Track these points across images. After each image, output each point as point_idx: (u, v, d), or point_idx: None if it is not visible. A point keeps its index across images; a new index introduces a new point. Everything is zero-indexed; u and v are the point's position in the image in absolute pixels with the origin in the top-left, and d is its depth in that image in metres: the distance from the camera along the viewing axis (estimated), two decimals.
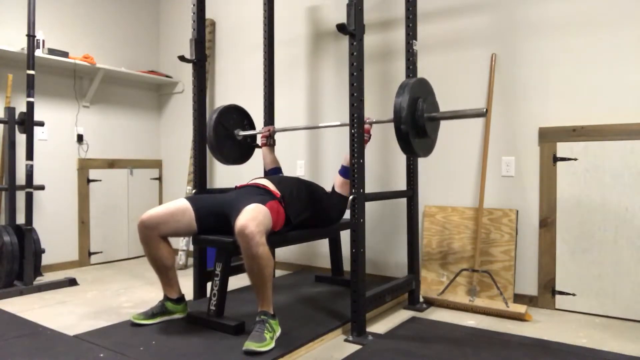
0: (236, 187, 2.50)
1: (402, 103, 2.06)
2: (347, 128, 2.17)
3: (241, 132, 2.91)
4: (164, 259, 2.25)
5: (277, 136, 3.28)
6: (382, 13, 3.13)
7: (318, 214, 2.49)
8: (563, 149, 2.53)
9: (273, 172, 2.91)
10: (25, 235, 2.95)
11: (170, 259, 2.29)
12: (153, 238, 2.21)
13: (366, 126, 2.37)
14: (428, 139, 2.21)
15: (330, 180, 3.29)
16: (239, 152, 2.95)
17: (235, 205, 2.14)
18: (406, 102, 2.05)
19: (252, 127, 3.02)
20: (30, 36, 2.98)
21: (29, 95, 2.99)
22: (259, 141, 3.02)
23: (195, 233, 2.27)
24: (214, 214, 2.26)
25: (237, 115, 2.93)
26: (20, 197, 3.17)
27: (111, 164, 3.96)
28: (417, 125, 2.11)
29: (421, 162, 2.87)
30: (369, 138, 2.40)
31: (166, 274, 2.29)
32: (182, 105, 4.24)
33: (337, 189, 2.48)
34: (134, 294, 2.94)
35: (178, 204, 2.27)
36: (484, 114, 2.08)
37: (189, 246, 3.73)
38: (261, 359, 1.83)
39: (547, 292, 2.57)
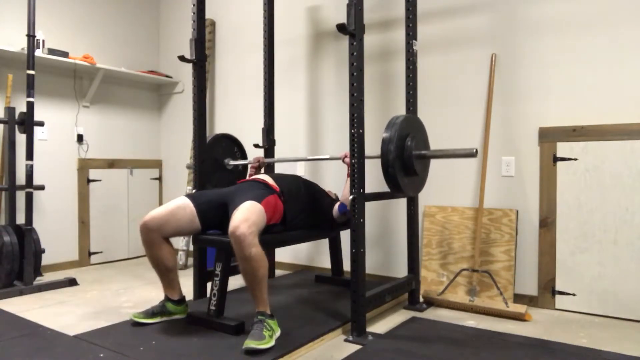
0: (237, 183, 2.50)
1: (390, 144, 2.04)
2: (347, 128, 2.17)
3: (231, 162, 2.95)
4: (166, 260, 2.25)
5: (277, 137, 3.29)
6: (382, 13, 3.13)
7: (317, 213, 2.49)
8: (563, 149, 2.53)
9: None
10: (25, 235, 2.95)
11: (172, 260, 2.29)
12: (156, 239, 2.20)
13: (347, 159, 2.40)
14: (417, 177, 2.20)
15: (330, 180, 3.30)
16: (229, 181, 2.95)
17: (234, 198, 2.16)
18: (394, 142, 2.04)
19: (243, 154, 3.05)
20: (30, 36, 2.98)
21: (29, 95, 2.99)
22: (248, 171, 3.02)
23: (199, 229, 2.27)
24: (215, 207, 2.26)
25: (226, 144, 2.96)
26: (20, 197, 3.17)
27: (111, 164, 3.96)
28: (406, 165, 2.09)
29: None
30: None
31: (167, 275, 2.29)
32: (182, 105, 4.24)
33: (334, 216, 2.48)
34: (134, 294, 2.94)
35: (178, 202, 2.27)
36: (474, 154, 2.05)
37: (189, 246, 3.73)
38: (261, 358, 1.83)
39: (547, 292, 2.57)
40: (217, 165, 2.90)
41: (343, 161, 2.59)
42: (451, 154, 2.19)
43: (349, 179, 2.37)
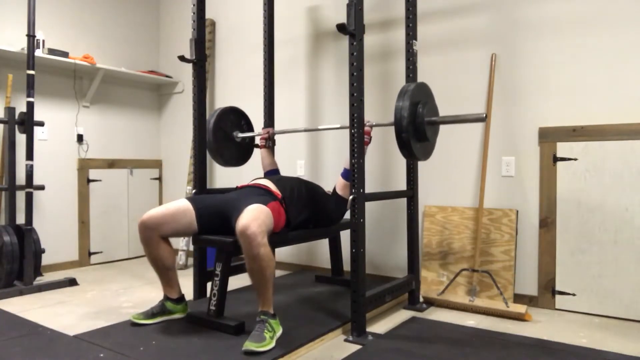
0: (237, 188, 2.50)
1: (403, 111, 2.06)
2: (347, 129, 2.17)
3: (240, 134, 2.91)
4: (165, 259, 2.25)
5: (277, 137, 3.29)
6: (382, 13, 3.13)
7: (318, 214, 2.49)
8: (563, 149, 2.53)
9: (271, 173, 2.92)
10: (25, 235, 2.95)
11: (171, 259, 2.29)
12: (153, 238, 2.20)
13: (367, 128, 2.38)
14: (428, 143, 2.22)
15: (331, 180, 3.30)
16: (238, 154, 2.95)
17: (237, 205, 2.15)
18: (406, 109, 2.06)
19: (250, 128, 3.02)
20: (30, 36, 2.98)
21: (29, 95, 2.99)
22: (257, 142, 3.02)
23: (196, 233, 2.27)
24: (214, 214, 2.26)
25: (234, 117, 2.93)
26: (20, 197, 3.18)
27: (111, 164, 3.96)
28: (418, 131, 2.11)
29: (421, 162, 2.87)
30: (370, 140, 2.39)
31: (166, 274, 2.29)
32: (182, 105, 4.24)
33: (338, 191, 2.49)
34: (134, 294, 2.94)
35: (179, 204, 2.27)
36: (483, 118, 2.08)
37: (189, 246, 3.73)
38: (261, 358, 1.83)
39: (547, 292, 2.57)
40: (226, 139, 2.86)
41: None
42: (461, 119, 2.21)
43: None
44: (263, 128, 3.00)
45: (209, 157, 2.86)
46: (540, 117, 2.60)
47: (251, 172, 3.28)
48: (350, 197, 2.12)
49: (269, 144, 3.00)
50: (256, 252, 1.92)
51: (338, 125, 2.68)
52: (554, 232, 2.55)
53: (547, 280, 2.57)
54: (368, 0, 2.72)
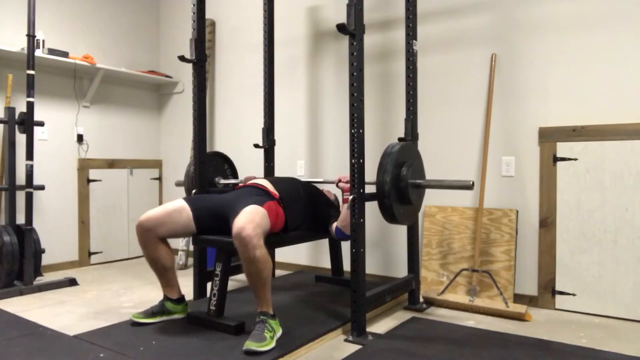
0: (235, 188, 2.49)
1: (385, 175, 2.04)
2: (347, 127, 2.17)
3: (222, 181, 2.91)
4: (163, 260, 2.25)
5: (277, 137, 3.29)
6: (382, 13, 3.13)
7: (315, 215, 2.49)
8: (563, 149, 2.53)
9: None
10: (25, 235, 2.95)
11: (169, 260, 2.28)
12: (151, 240, 2.20)
13: (345, 185, 2.40)
14: (412, 206, 2.20)
15: (331, 180, 3.30)
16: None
17: (234, 205, 2.14)
18: (389, 173, 2.04)
19: (234, 173, 3.02)
20: (30, 36, 2.98)
21: (29, 95, 2.99)
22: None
23: (194, 233, 2.27)
24: (212, 214, 2.25)
25: (217, 162, 2.94)
26: (20, 197, 3.17)
27: (111, 164, 3.96)
28: (402, 194, 2.10)
29: None
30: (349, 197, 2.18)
31: (165, 274, 2.29)
32: (182, 105, 4.24)
33: (331, 233, 2.49)
34: (134, 294, 2.94)
35: (175, 204, 2.26)
36: (470, 186, 2.05)
37: (189, 246, 3.73)
38: (261, 358, 1.83)
39: (547, 292, 2.57)
40: (208, 184, 2.81)
41: (337, 185, 2.58)
42: (447, 185, 2.19)
43: (345, 204, 2.35)
44: (245, 177, 2.88)
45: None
46: (540, 117, 2.60)
47: (251, 171, 3.27)
48: (350, 197, 2.12)
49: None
50: (252, 255, 1.91)
51: (321, 180, 2.72)
52: (554, 232, 2.55)
53: (547, 280, 2.57)
54: (368, 0, 2.72)
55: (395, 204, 2.07)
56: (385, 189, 2.03)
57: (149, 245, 2.21)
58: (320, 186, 2.72)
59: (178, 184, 3.19)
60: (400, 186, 2.09)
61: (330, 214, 2.55)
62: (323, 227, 2.55)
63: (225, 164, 2.97)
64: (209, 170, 2.81)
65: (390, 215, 2.10)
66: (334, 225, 2.44)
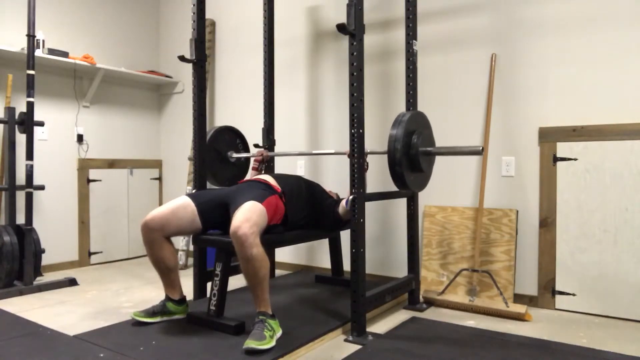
0: (237, 183, 2.50)
1: (396, 142, 2.05)
2: (347, 129, 2.17)
3: (234, 154, 2.91)
4: (167, 260, 2.25)
5: (277, 137, 3.29)
6: (382, 13, 3.13)
7: (317, 214, 2.49)
8: (563, 149, 2.53)
9: None
10: (25, 235, 2.95)
11: (173, 260, 2.28)
12: (157, 239, 2.20)
13: None
14: (422, 174, 2.20)
15: (331, 180, 3.30)
16: (232, 174, 2.94)
17: (236, 197, 2.16)
18: (400, 140, 2.04)
19: (246, 148, 3.02)
20: (30, 36, 2.98)
21: (29, 95, 2.99)
22: (252, 164, 2.98)
23: (200, 229, 2.27)
24: (216, 207, 2.26)
25: (229, 137, 2.93)
26: (20, 197, 3.18)
27: (111, 164, 3.96)
28: (412, 162, 2.10)
29: None
30: (367, 167, 2.30)
31: (169, 274, 2.29)
32: (182, 105, 4.24)
33: (339, 211, 2.43)
34: (134, 294, 2.94)
35: (179, 201, 2.27)
36: (480, 151, 2.06)
37: (189, 246, 3.73)
38: (261, 358, 1.83)
39: (547, 292, 2.57)
40: (220, 158, 2.87)
41: (348, 156, 2.57)
42: (457, 151, 2.19)
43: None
44: (257, 151, 2.92)
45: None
46: (540, 117, 2.60)
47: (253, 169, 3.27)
48: (350, 197, 2.12)
49: (262, 167, 2.92)
50: (249, 253, 1.92)
51: (332, 151, 2.66)
52: (554, 232, 2.55)
53: (547, 280, 2.57)
54: (368, 0, 2.72)
55: (406, 171, 2.08)
56: (397, 156, 2.04)
57: (154, 245, 2.21)
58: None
59: (190, 159, 3.20)
60: (410, 154, 2.09)
61: (334, 213, 2.54)
62: (324, 226, 2.56)
63: (237, 139, 2.97)
64: (221, 144, 2.84)
65: (401, 183, 2.11)
66: (343, 201, 2.42)
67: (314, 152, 2.80)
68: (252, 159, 2.98)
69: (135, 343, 2.00)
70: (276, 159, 3.27)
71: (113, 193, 3.96)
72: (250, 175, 2.93)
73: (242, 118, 3.80)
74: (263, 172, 2.94)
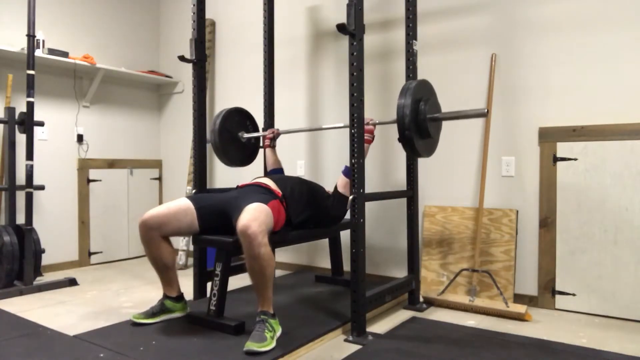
0: (238, 187, 2.50)
1: (405, 108, 2.07)
2: (347, 129, 2.17)
3: (245, 135, 2.91)
4: (165, 259, 2.25)
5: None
6: (382, 13, 3.13)
7: (318, 214, 2.49)
8: (563, 149, 2.53)
9: (275, 172, 2.92)
10: (25, 235, 2.95)
11: (171, 259, 2.29)
12: (154, 238, 2.20)
13: (370, 127, 2.37)
14: (431, 139, 2.22)
15: (331, 180, 3.30)
16: (244, 154, 2.95)
17: (237, 204, 2.15)
18: (409, 106, 2.07)
19: (256, 129, 3.02)
20: (30, 36, 2.98)
21: (29, 95, 2.99)
22: (262, 143, 3.03)
23: (197, 232, 2.27)
24: (215, 213, 2.26)
25: (239, 118, 2.93)
26: (20, 197, 3.18)
27: (111, 164, 3.96)
28: (421, 128, 2.12)
29: (421, 162, 2.87)
30: (373, 139, 2.37)
31: (166, 273, 2.29)
32: (182, 105, 4.24)
33: (339, 189, 2.45)
34: (134, 294, 2.94)
35: (179, 203, 2.26)
36: (485, 114, 2.10)
37: (189, 246, 3.73)
38: (261, 358, 1.83)
39: (547, 292, 2.57)
40: (232, 139, 2.86)
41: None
42: (463, 115, 2.22)
43: (366, 144, 2.33)
44: (269, 128, 2.99)
45: (209, 157, 2.87)
46: (540, 117, 2.60)
47: (252, 172, 3.27)
48: (350, 197, 2.12)
49: (274, 144, 2.99)
50: (257, 252, 1.92)
51: (341, 124, 2.65)
52: (554, 232, 2.55)
53: (547, 280, 2.57)
54: (368, 0, 2.72)
55: (415, 137, 2.10)
56: (406, 121, 2.06)
57: (152, 244, 2.21)
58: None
59: (208, 141, 3.21)
60: (419, 120, 2.11)
61: (332, 213, 2.54)
62: (325, 226, 2.56)
63: (247, 120, 2.97)
64: (232, 125, 2.85)
65: (411, 148, 2.14)
66: (342, 176, 2.43)
67: (325, 126, 2.78)
68: (262, 139, 3.00)
69: (135, 343, 2.00)
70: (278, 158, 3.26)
71: (113, 193, 3.96)
72: (265, 155, 3.00)
73: None
74: (275, 147, 3.00)
